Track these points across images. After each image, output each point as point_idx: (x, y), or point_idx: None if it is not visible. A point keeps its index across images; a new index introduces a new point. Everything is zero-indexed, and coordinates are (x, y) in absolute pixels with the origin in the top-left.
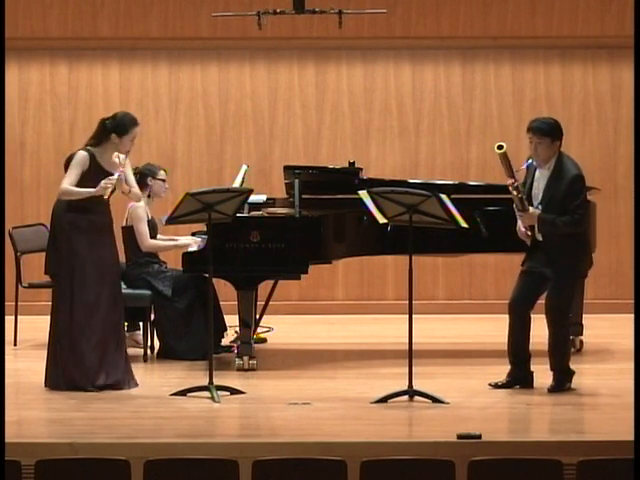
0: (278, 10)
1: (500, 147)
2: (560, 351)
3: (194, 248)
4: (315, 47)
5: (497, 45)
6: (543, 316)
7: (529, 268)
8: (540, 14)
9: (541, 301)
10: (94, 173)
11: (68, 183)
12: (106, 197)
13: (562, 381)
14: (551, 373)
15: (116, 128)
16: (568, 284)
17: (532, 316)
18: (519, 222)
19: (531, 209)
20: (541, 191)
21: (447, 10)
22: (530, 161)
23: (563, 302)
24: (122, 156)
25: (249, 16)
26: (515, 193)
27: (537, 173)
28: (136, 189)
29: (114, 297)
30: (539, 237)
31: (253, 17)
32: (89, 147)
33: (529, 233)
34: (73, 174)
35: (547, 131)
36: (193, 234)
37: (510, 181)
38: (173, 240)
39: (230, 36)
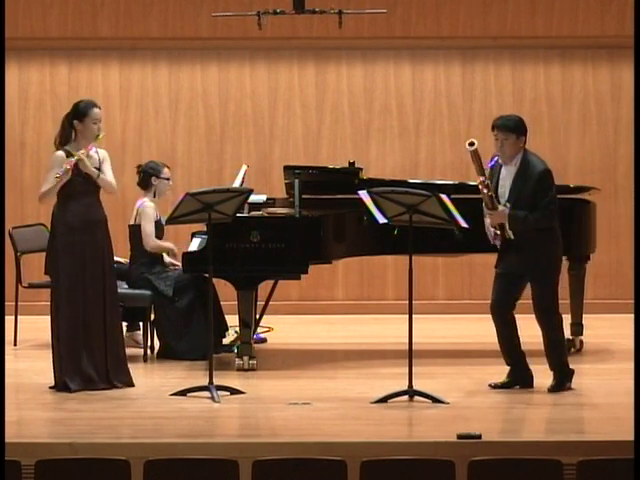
0: (278, 10)
1: (472, 144)
2: (556, 350)
3: (194, 248)
4: (315, 47)
5: (497, 45)
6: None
7: (503, 270)
8: (540, 14)
9: (528, 301)
10: (75, 169)
11: (44, 188)
12: (65, 176)
13: (562, 380)
14: (551, 373)
15: (76, 114)
16: (549, 281)
17: (526, 316)
18: (487, 222)
19: (500, 207)
20: (508, 189)
21: (447, 10)
22: (495, 160)
23: (549, 300)
24: (102, 151)
25: (249, 16)
26: (486, 191)
27: (503, 171)
28: (110, 179)
29: (105, 294)
30: (510, 235)
31: (253, 17)
32: (64, 145)
33: (498, 232)
34: (50, 178)
35: (512, 127)
36: (193, 234)
37: (481, 179)
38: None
39: (230, 36)
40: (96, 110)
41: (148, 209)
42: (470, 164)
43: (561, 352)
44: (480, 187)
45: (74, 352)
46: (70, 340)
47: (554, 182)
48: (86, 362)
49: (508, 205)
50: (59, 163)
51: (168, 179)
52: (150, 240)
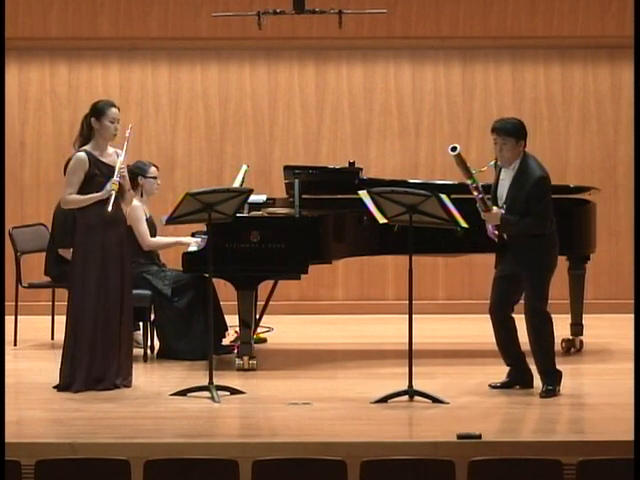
0: (278, 10)
1: (454, 149)
2: (542, 351)
3: (194, 248)
4: (315, 47)
5: (497, 45)
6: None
7: (502, 272)
8: (540, 14)
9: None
10: (96, 169)
11: (70, 192)
12: (109, 208)
13: (550, 383)
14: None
15: (94, 113)
16: (540, 282)
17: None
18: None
19: (495, 209)
20: (506, 190)
21: (447, 10)
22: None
23: (537, 304)
24: (120, 152)
25: (249, 16)
26: (476, 193)
27: (502, 173)
28: (131, 191)
29: (123, 294)
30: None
31: (253, 17)
32: (83, 146)
33: (496, 232)
34: (75, 182)
35: (511, 131)
36: (193, 234)
37: (469, 182)
38: (175, 237)
39: (230, 36)
40: (114, 110)
41: (135, 210)
42: (470, 164)
43: (546, 353)
44: (470, 190)
45: (90, 353)
46: (89, 341)
47: (550, 189)
48: (100, 363)
49: (504, 207)
50: (82, 166)
51: (155, 178)
52: (146, 239)
